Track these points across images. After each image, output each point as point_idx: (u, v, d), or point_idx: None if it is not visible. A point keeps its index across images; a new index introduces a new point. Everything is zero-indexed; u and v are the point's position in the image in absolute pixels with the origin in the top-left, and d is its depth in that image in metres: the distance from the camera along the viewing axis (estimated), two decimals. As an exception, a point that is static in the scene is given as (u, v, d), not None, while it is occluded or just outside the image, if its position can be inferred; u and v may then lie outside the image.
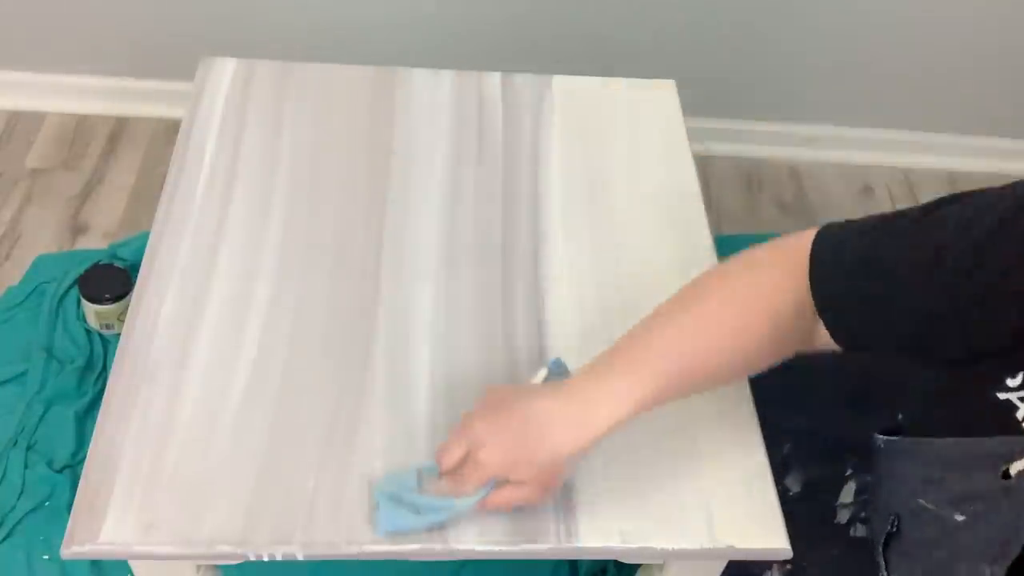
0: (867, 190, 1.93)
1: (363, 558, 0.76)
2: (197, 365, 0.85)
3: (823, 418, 0.87)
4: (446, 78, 1.16)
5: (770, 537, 0.79)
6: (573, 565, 1.28)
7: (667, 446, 0.84)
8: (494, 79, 1.17)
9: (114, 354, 0.86)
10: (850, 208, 1.89)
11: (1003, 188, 0.69)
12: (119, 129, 1.86)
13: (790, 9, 1.73)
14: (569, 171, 1.07)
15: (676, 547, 0.78)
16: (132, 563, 0.82)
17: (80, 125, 1.86)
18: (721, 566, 0.87)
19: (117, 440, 0.80)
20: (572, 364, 0.87)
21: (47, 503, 1.30)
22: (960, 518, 0.69)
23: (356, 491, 0.78)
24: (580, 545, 0.77)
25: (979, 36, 1.78)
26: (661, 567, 0.89)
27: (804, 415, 0.93)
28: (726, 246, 1.74)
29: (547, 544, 0.77)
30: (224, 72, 1.13)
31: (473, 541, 0.77)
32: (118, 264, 1.53)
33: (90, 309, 1.48)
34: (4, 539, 1.26)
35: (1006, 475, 0.66)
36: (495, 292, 0.94)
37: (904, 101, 1.90)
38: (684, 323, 0.77)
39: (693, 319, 0.77)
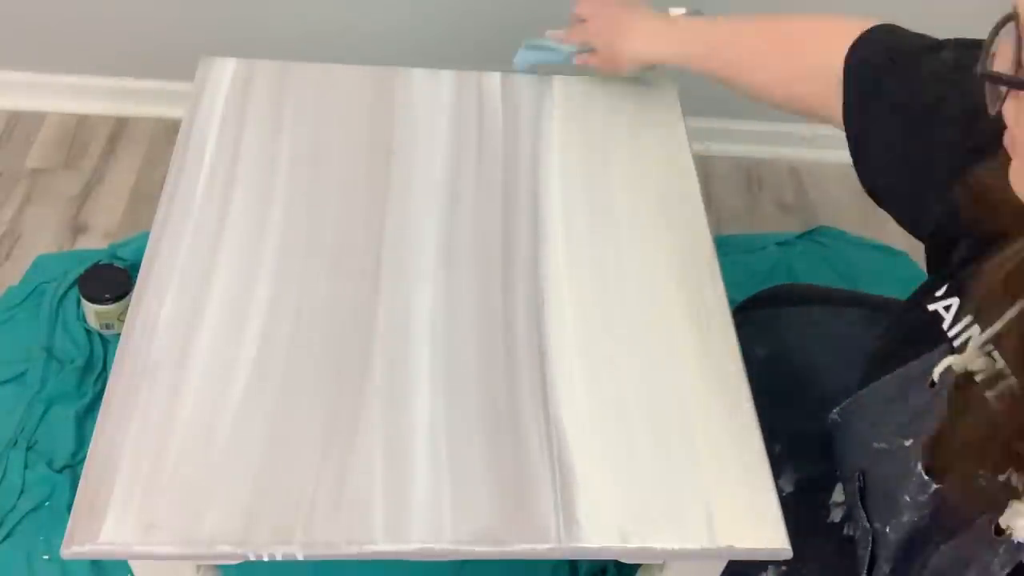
0: (867, 190, 1.93)
1: (363, 558, 0.76)
2: (197, 365, 0.85)
3: (813, 418, 0.88)
4: (446, 78, 1.16)
5: (770, 537, 0.79)
6: (573, 565, 1.29)
7: (667, 446, 0.84)
8: (494, 79, 1.17)
9: (114, 354, 0.86)
10: (850, 208, 1.89)
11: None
12: (119, 129, 1.86)
13: (790, 9, 1.73)
14: (569, 171, 1.07)
15: (676, 547, 0.78)
16: (132, 563, 0.82)
17: (80, 125, 1.86)
18: (721, 566, 0.87)
19: (117, 440, 0.80)
20: (572, 364, 0.87)
21: (47, 503, 1.30)
22: (908, 442, 0.71)
23: (356, 491, 0.78)
24: (580, 545, 0.77)
25: (979, 36, 1.78)
26: (661, 567, 0.89)
27: (794, 415, 0.93)
28: (726, 246, 1.74)
29: (547, 544, 0.77)
30: (224, 72, 1.13)
31: (473, 541, 0.77)
32: (118, 264, 1.54)
33: (90, 309, 1.48)
34: (4, 539, 1.26)
35: (931, 385, 0.70)
36: (495, 292, 0.94)
37: (904, 101, 1.90)
38: (745, 26, 0.99)
39: (744, 26, 0.99)
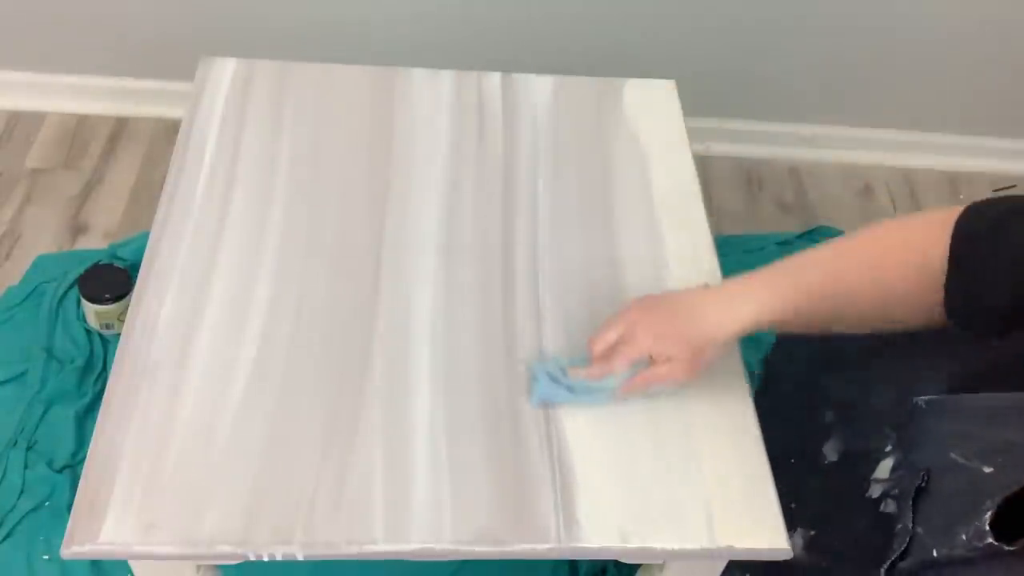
0: (867, 190, 1.93)
1: (363, 558, 0.76)
2: (197, 365, 0.85)
3: (871, 391, 0.86)
4: (446, 78, 1.16)
5: (770, 537, 0.79)
6: (573, 565, 1.28)
7: (667, 446, 0.84)
8: (494, 79, 1.17)
9: (114, 354, 0.86)
10: (850, 208, 1.89)
11: None
12: (119, 129, 1.86)
13: (790, 9, 1.73)
14: (569, 171, 1.07)
15: (676, 547, 0.78)
16: (132, 563, 0.82)
17: (80, 125, 1.86)
18: (721, 566, 0.87)
19: (117, 440, 0.80)
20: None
21: (47, 503, 1.30)
22: (988, 470, 0.70)
23: (356, 491, 0.78)
24: (580, 545, 0.77)
25: (979, 36, 1.78)
26: (661, 567, 0.89)
27: (853, 385, 0.91)
28: (726, 246, 1.74)
29: (547, 544, 0.77)
30: (224, 72, 1.13)
31: (473, 541, 0.77)
32: (118, 264, 1.53)
33: (90, 309, 1.48)
34: (4, 539, 1.26)
35: None
36: (495, 292, 0.94)
37: (904, 101, 1.90)
38: (827, 252, 0.84)
39: (836, 250, 0.83)
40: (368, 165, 1.05)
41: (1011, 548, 0.67)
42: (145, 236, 0.96)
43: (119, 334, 0.90)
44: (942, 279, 0.77)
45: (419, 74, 1.16)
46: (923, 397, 0.78)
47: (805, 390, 0.97)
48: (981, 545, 0.68)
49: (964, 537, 0.70)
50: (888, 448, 0.88)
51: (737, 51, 1.80)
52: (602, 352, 0.83)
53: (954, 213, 0.77)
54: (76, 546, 0.74)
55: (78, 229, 1.68)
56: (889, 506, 0.86)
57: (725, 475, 0.82)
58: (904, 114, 1.93)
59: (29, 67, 1.83)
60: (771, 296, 0.81)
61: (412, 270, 0.95)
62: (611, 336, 0.83)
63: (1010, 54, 1.81)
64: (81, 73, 1.84)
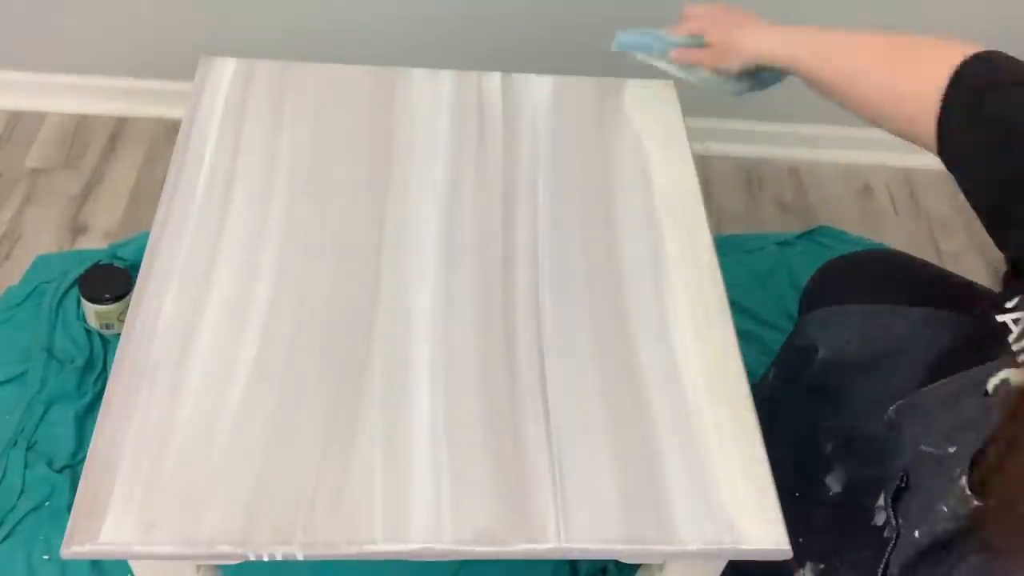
0: (867, 190, 1.93)
1: (363, 558, 0.76)
2: (197, 365, 0.85)
3: (867, 420, 0.87)
4: (446, 78, 1.16)
5: (770, 537, 0.79)
6: (573, 565, 1.29)
7: (667, 446, 0.84)
8: (494, 79, 1.17)
9: (114, 354, 0.86)
10: (850, 208, 1.89)
11: None
12: (119, 129, 1.86)
13: (790, 9, 1.73)
14: (568, 171, 1.07)
15: (676, 547, 0.78)
16: (132, 563, 0.82)
17: (80, 125, 1.86)
18: (721, 566, 0.87)
19: (117, 440, 0.80)
20: (572, 364, 0.87)
21: (47, 503, 1.30)
22: (952, 449, 0.71)
23: (356, 491, 0.78)
24: (580, 545, 0.77)
25: (979, 36, 1.78)
26: (661, 567, 0.89)
27: (846, 415, 0.93)
28: (726, 246, 1.74)
29: (547, 544, 0.77)
30: (224, 72, 1.13)
31: (473, 541, 0.77)
32: (118, 264, 1.53)
33: (90, 309, 1.48)
34: (4, 539, 1.26)
35: (985, 395, 0.69)
36: (495, 292, 0.94)
37: (904, 101, 1.90)
38: (855, 42, 1.01)
39: (862, 45, 1.00)
40: (368, 165, 1.05)
41: (980, 503, 0.67)
42: (145, 236, 0.96)
43: (119, 334, 0.90)
44: (935, 110, 0.86)
45: (419, 74, 1.16)
46: (891, 408, 0.80)
47: (805, 421, 0.98)
48: (965, 511, 0.69)
49: (945, 509, 0.70)
50: (887, 469, 0.88)
51: (737, 51, 1.80)
52: (685, 17, 1.13)
53: (962, 54, 0.87)
54: (76, 546, 0.74)
55: (78, 229, 1.68)
56: (889, 531, 0.87)
57: (725, 475, 0.82)
58: (904, 114, 1.92)
59: (29, 67, 1.83)
60: (795, 50, 1.02)
61: (412, 270, 0.95)
62: (700, 11, 1.13)
63: (1010, 54, 1.81)
64: (81, 73, 1.84)
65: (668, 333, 0.92)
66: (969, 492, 0.68)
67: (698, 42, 1.10)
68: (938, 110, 0.85)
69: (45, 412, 1.39)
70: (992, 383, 0.69)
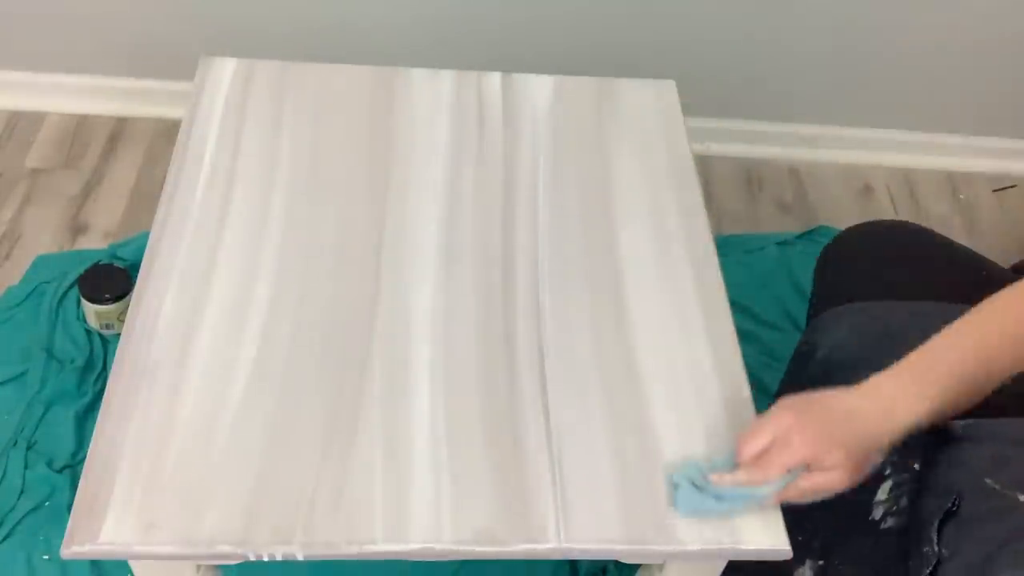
0: (867, 190, 1.93)
1: (363, 558, 0.76)
2: (197, 365, 0.85)
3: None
4: (446, 78, 1.16)
5: (770, 537, 0.79)
6: (573, 565, 1.29)
7: (667, 447, 0.84)
8: (494, 79, 1.17)
9: (114, 354, 0.86)
10: (850, 208, 1.89)
11: None
12: (119, 129, 1.86)
13: (790, 9, 1.73)
14: (568, 171, 1.07)
15: (676, 547, 0.78)
16: (132, 563, 0.82)
17: (80, 125, 1.86)
18: (721, 566, 0.87)
19: (117, 440, 0.80)
20: (572, 364, 0.87)
21: (47, 503, 1.30)
22: (1023, 498, 0.68)
23: (356, 491, 0.78)
24: (580, 545, 0.77)
25: (979, 36, 1.78)
26: (661, 567, 0.89)
27: None
28: (726, 246, 1.74)
29: (547, 544, 0.77)
30: (224, 72, 1.13)
31: (473, 541, 0.77)
32: (118, 264, 1.53)
33: (90, 309, 1.48)
34: (4, 539, 1.26)
35: None
36: (495, 292, 0.94)
37: (904, 101, 1.90)
38: (980, 332, 0.79)
39: (986, 328, 0.79)
40: (368, 165, 1.05)
41: None
42: (145, 236, 0.96)
43: (119, 334, 0.90)
44: None
45: (419, 74, 1.16)
46: (960, 421, 0.77)
47: None
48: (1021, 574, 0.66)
49: (998, 573, 0.68)
50: (887, 471, 0.88)
51: (737, 51, 1.80)
52: (753, 457, 0.77)
53: None
54: (76, 546, 0.74)
55: (78, 229, 1.68)
56: (888, 522, 0.86)
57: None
58: (904, 114, 1.93)
59: (29, 67, 1.83)
60: (926, 393, 0.77)
61: (412, 270, 0.95)
62: (763, 441, 0.77)
63: (1010, 54, 1.81)
64: (81, 73, 1.84)
65: (668, 333, 0.92)
66: None
67: (793, 478, 0.78)
68: None
69: (45, 412, 1.39)
70: None
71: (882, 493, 0.88)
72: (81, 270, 1.52)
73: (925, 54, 1.80)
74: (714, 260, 1.00)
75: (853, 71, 1.84)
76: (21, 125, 1.84)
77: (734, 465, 0.79)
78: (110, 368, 0.88)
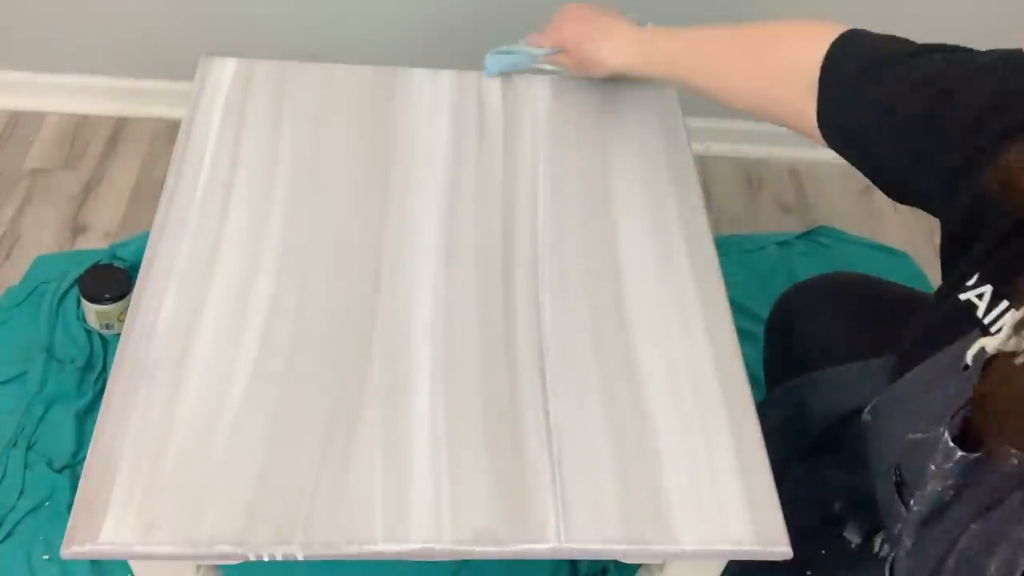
0: (867, 190, 1.93)
1: (363, 558, 0.76)
2: (197, 365, 0.85)
3: (869, 479, 0.88)
4: (446, 78, 1.16)
5: (770, 538, 0.79)
6: (573, 565, 1.29)
7: (667, 446, 0.84)
8: (494, 79, 1.17)
9: (114, 354, 0.86)
10: (850, 208, 1.89)
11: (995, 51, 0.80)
12: (119, 129, 1.86)
13: (790, 9, 1.73)
14: (569, 171, 1.07)
15: (676, 547, 0.78)
16: (132, 563, 0.82)
17: (80, 125, 1.86)
18: (721, 566, 0.87)
19: (117, 440, 0.80)
20: (572, 364, 0.87)
21: (47, 503, 1.30)
22: (942, 429, 0.70)
23: (356, 491, 0.78)
24: (580, 545, 0.77)
25: (979, 36, 1.78)
26: (661, 567, 0.89)
27: (852, 476, 0.93)
28: (726, 246, 1.74)
29: (547, 544, 0.77)
30: (224, 72, 1.13)
31: (473, 541, 0.77)
32: (118, 264, 1.54)
33: (90, 309, 1.48)
34: (4, 539, 1.26)
35: (965, 368, 0.69)
36: (495, 291, 0.94)
37: (904, 101, 1.90)
38: (722, 38, 1.00)
39: (728, 38, 0.99)
40: (368, 165, 1.05)
41: (977, 454, 0.67)
42: (145, 236, 0.96)
43: (119, 334, 0.90)
44: (813, 92, 0.88)
45: (419, 74, 1.16)
46: (865, 411, 0.80)
47: (811, 484, 0.98)
48: (950, 465, 0.69)
49: (933, 467, 0.70)
50: (872, 472, 0.88)
51: (737, 51, 1.80)
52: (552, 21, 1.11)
53: (833, 34, 0.89)
54: (76, 546, 0.74)
55: (78, 229, 1.68)
56: (884, 550, 0.87)
57: (725, 475, 0.82)
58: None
59: (29, 67, 1.84)
60: (659, 60, 1.02)
61: (412, 270, 0.95)
62: (556, 16, 1.11)
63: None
64: (81, 73, 1.84)
65: (668, 333, 0.92)
66: (952, 444, 0.68)
67: (559, 51, 1.12)
68: (815, 107, 0.88)
69: (45, 412, 1.39)
70: (969, 354, 0.69)
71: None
72: (81, 270, 1.52)
73: (925, 54, 1.80)
74: (714, 260, 1.00)
75: (853, 71, 1.84)
76: (21, 125, 1.84)
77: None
78: (110, 368, 0.88)
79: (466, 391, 0.86)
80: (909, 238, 1.84)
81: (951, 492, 0.71)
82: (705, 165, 1.92)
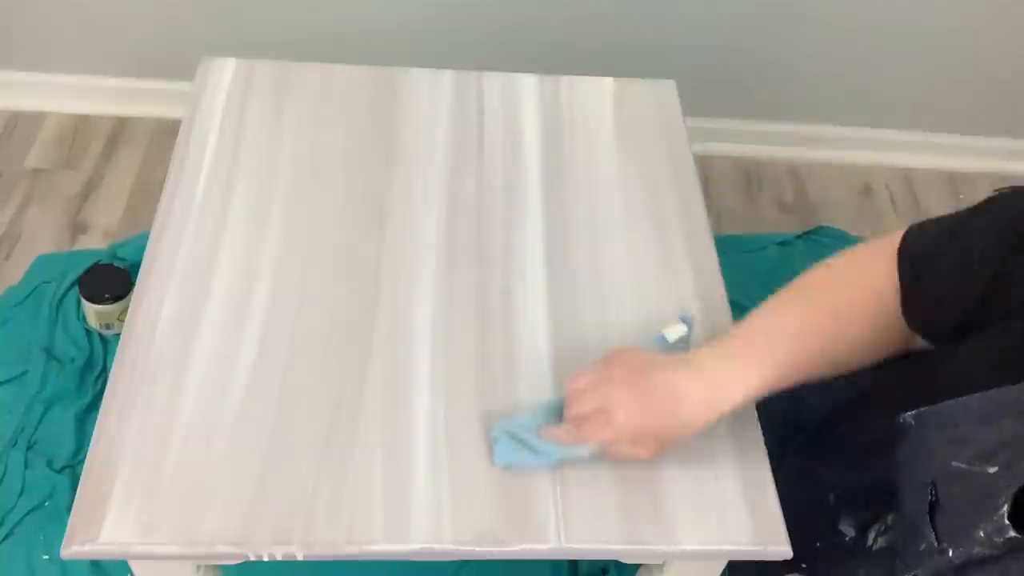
0: (867, 190, 1.93)
1: (363, 558, 0.76)
2: (197, 365, 0.85)
3: (865, 471, 0.87)
4: (446, 78, 1.16)
5: (770, 538, 0.79)
6: (573, 565, 1.28)
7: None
8: (494, 79, 1.17)
9: (114, 354, 0.86)
10: (850, 208, 1.89)
11: None
12: (119, 129, 1.86)
13: (790, 9, 1.73)
14: (569, 171, 1.07)
15: (676, 547, 0.78)
16: (132, 563, 0.82)
17: (80, 125, 1.86)
18: (721, 566, 0.87)
19: (117, 440, 0.80)
20: (572, 364, 0.87)
21: (47, 503, 1.30)
22: (992, 470, 0.69)
23: (356, 491, 0.78)
24: (580, 545, 0.77)
25: (979, 36, 1.78)
26: (661, 567, 0.89)
27: (848, 469, 0.92)
28: (726, 246, 1.74)
29: (547, 544, 0.77)
30: (224, 72, 1.13)
31: (473, 541, 0.77)
32: (118, 264, 1.53)
33: (90, 309, 1.48)
34: (4, 539, 1.26)
35: None
36: (495, 292, 0.94)
37: (904, 101, 1.90)
38: (797, 309, 0.85)
39: (805, 304, 0.85)
40: (368, 165, 1.05)
41: (1017, 535, 0.66)
42: (145, 236, 0.96)
43: (119, 334, 0.90)
44: (897, 310, 0.81)
45: (419, 74, 1.16)
46: (908, 413, 0.78)
47: (805, 478, 0.97)
48: (1001, 540, 0.67)
49: (982, 534, 0.69)
50: (898, 475, 0.87)
51: (737, 51, 1.80)
52: (577, 419, 0.80)
53: (894, 241, 0.82)
54: (76, 546, 0.74)
55: (78, 229, 1.68)
56: (878, 543, 0.86)
57: (725, 475, 0.82)
58: (904, 114, 1.93)
59: (29, 67, 1.84)
60: (752, 373, 0.80)
61: (412, 270, 0.95)
62: (590, 407, 0.80)
63: (1010, 54, 1.82)
64: (81, 73, 1.84)
65: (669, 333, 0.92)
66: (1007, 522, 0.67)
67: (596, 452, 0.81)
68: (898, 297, 0.81)
69: (45, 412, 1.39)
70: None
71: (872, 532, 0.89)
72: (81, 270, 1.52)
73: (925, 54, 1.80)
74: (714, 260, 1.00)
75: (853, 71, 1.84)
76: (21, 125, 1.84)
77: (550, 415, 0.83)
78: (110, 368, 0.88)
79: (466, 391, 0.86)
80: (909, 238, 1.84)
81: (995, 559, 0.69)
82: (705, 165, 1.92)
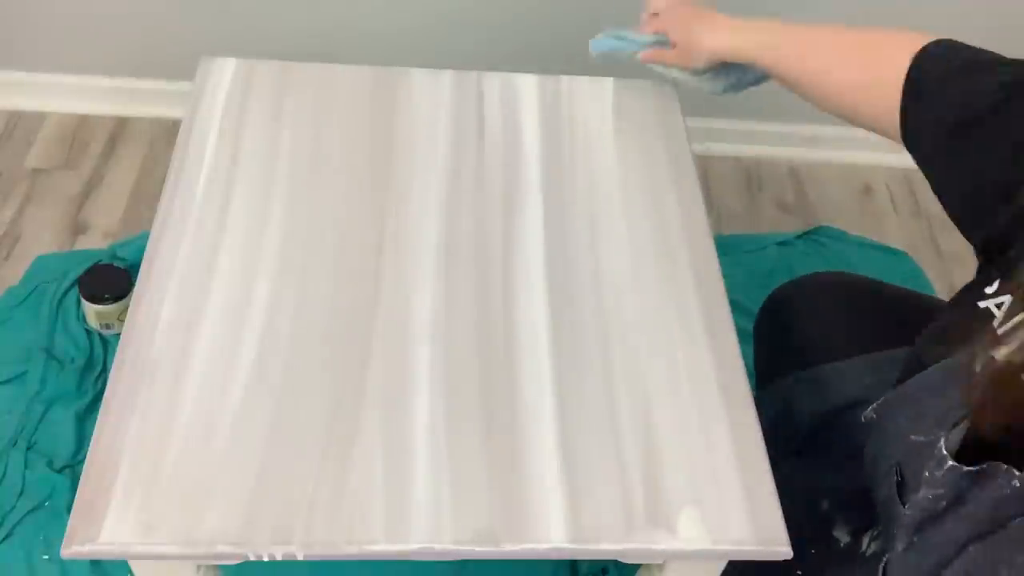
0: (867, 190, 1.93)
1: (363, 558, 0.76)
2: (197, 365, 0.85)
3: (857, 477, 0.88)
4: (446, 78, 1.16)
5: (770, 537, 0.79)
6: (573, 565, 1.29)
7: (667, 446, 0.84)
8: (494, 79, 1.17)
9: (114, 354, 0.86)
10: (850, 208, 1.89)
11: None
12: (119, 129, 1.86)
13: (790, 9, 1.73)
14: (569, 171, 1.07)
15: (676, 547, 0.78)
16: (132, 563, 0.82)
17: (80, 125, 1.86)
18: (721, 566, 0.87)
19: (117, 440, 0.80)
20: (572, 364, 0.87)
21: (47, 503, 1.30)
22: (943, 433, 0.70)
23: (356, 491, 0.78)
24: (580, 545, 0.77)
25: (979, 36, 1.78)
26: (661, 567, 0.89)
27: (840, 475, 0.93)
28: (726, 246, 1.74)
29: (547, 544, 0.77)
30: (224, 72, 1.13)
31: (473, 541, 0.77)
32: (118, 264, 1.54)
33: (90, 309, 1.48)
34: (4, 539, 1.26)
35: (972, 376, 0.69)
36: (495, 291, 0.94)
37: (904, 101, 1.90)
38: (812, 35, 1.00)
39: (819, 38, 1.00)
40: (368, 165, 1.05)
41: (971, 468, 0.67)
42: (145, 236, 0.96)
43: (119, 334, 0.90)
44: (898, 99, 0.88)
45: (419, 74, 1.16)
46: (869, 408, 0.80)
47: (799, 482, 0.98)
48: (940, 473, 0.69)
49: (927, 473, 0.70)
50: (871, 472, 0.88)
51: (737, 51, 1.80)
52: (652, 14, 1.15)
53: (921, 42, 0.90)
54: (76, 546, 0.74)
55: (78, 229, 1.68)
56: (871, 548, 0.87)
57: (725, 475, 0.82)
58: (904, 114, 1.92)
59: (29, 67, 1.84)
60: (754, 47, 1.02)
61: (412, 270, 0.95)
62: (656, 5, 1.14)
63: (1010, 54, 1.81)
64: (81, 73, 1.84)
65: (668, 333, 0.92)
66: (945, 452, 0.69)
67: (664, 41, 1.12)
68: (900, 102, 0.87)
69: (45, 412, 1.39)
70: (979, 364, 0.68)
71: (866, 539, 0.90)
72: (81, 270, 1.52)
73: (925, 54, 1.80)
74: (714, 260, 1.00)
75: (853, 71, 1.84)
76: (21, 125, 1.84)
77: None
78: (110, 368, 0.88)
79: (466, 391, 0.86)
80: (909, 238, 1.84)
81: (943, 503, 0.70)
82: (705, 165, 1.92)
